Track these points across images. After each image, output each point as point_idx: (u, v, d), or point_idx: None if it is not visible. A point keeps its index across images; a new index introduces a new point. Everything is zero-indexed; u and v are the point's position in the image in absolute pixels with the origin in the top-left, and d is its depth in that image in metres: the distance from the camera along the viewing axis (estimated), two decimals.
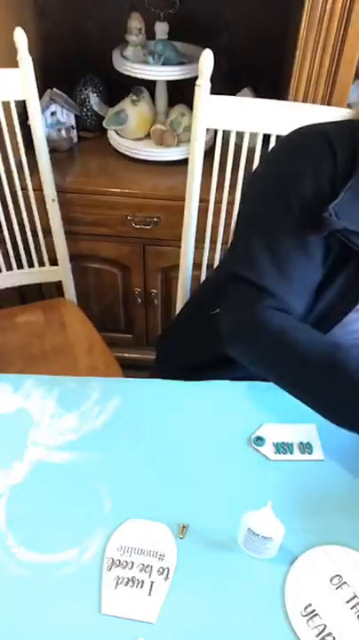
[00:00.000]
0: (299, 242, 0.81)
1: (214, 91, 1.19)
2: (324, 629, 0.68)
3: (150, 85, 1.64)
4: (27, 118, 1.32)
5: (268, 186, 0.85)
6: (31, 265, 1.51)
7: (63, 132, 1.68)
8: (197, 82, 1.18)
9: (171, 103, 1.69)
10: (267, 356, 0.83)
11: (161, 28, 1.56)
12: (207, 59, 1.15)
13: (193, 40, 1.62)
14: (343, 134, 0.81)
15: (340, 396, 0.77)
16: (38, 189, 1.40)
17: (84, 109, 1.73)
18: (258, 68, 1.68)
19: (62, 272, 1.54)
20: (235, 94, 1.52)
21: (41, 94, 1.35)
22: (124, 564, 0.73)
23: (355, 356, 0.77)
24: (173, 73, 1.53)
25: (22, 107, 1.30)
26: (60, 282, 1.56)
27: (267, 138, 1.22)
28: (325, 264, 0.84)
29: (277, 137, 1.21)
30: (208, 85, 1.17)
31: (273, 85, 1.61)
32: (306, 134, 0.85)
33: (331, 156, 0.80)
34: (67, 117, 1.67)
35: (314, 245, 0.81)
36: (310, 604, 0.70)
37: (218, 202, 1.31)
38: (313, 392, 0.80)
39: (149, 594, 0.70)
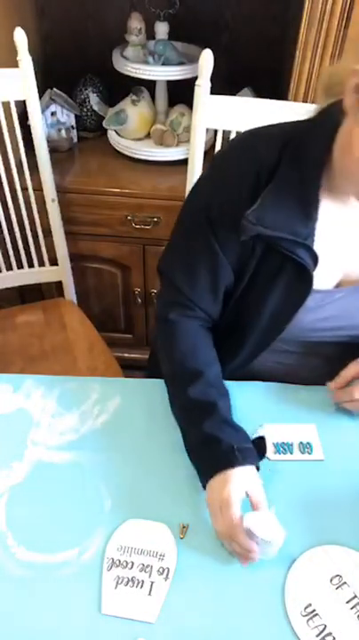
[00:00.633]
0: (209, 246, 0.86)
1: (214, 91, 1.19)
2: (324, 629, 0.68)
3: (150, 85, 1.64)
4: (27, 118, 1.32)
5: (196, 194, 0.91)
6: (31, 265, 1.51)
7: (63, 132, 1.68)
8: (197, 82, 1.18)
9: (171, 103, 1.69)
10: (161, 354, 0.94)
11: (161, 28, 1.56)
12: (207, 59, 1.15)
13: (193, 40, 1.62)
14: (276, 142, 0.82)
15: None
16: (38, 189, 1.40)
17: (84, 109, 1.73)
18: (258, 68, 1.68)
19: (62, 272, 1.54)
20: (235, 94, 1.52)
21: (41, 94, 1.35)
22: (124, 564, 0.73)
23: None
24: (173, 73, 1.53)
25: (22, 107, 1.30)
26: (60, 282, 1.56)
27: None
28: (245, 268, 0.86)
29: None
30: (208, 85, 1.17)
31: (273, 85, 1.61)
32: (238, 146, 0.88)
33: (255, 171, 0.81)
34: (67, 117, 1.67)
35: (227, 250, 0.85)
36: (310, 604, 0.70)
37: None
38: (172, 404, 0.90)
39: (149, 594, 0.70)
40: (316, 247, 0.81)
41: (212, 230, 0.85)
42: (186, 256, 0.90)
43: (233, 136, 1.25)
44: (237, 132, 1.24)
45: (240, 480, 0.76)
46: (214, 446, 0.79)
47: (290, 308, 0.86)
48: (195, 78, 1.18)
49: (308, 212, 0.80)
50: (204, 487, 0.78)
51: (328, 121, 0.78)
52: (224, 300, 0.92)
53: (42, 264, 1.51)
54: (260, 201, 0.79)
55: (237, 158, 0.85)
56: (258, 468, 0.80)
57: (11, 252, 1.46)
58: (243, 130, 1.21)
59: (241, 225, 0.79)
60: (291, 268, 0.82)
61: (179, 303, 0.92)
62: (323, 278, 0.86)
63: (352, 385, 0.88)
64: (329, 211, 0.83)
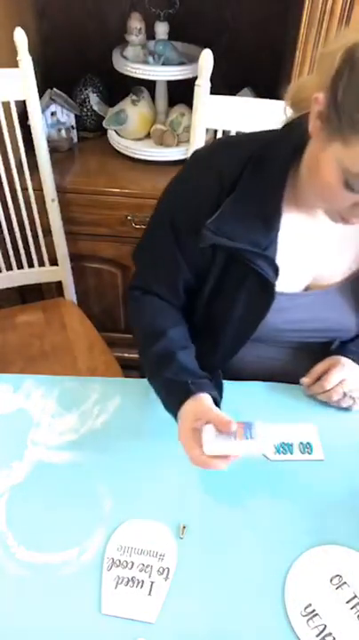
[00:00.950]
0: (169, 248, 0.90)
1: (214, 91, 1.19)
2: (324, 629, 0.68)
3: (150, 85, 1.64)
4: (27, 118, 1.32)
5: (165, 195, 0.94)
6: (31, 265, 1.51)
7: (63, 132, 1.68)
8: (197, 82, 1.18)
9: (171, 103, 1.69)
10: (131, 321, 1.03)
11: (161, 28, 1.56)
12: (207, 59, 1.15)
13: (193, 40, 1.62)
14: (242, 153, 0.84)
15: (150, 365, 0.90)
16: (38, 189, 1.40)
17: (84, 109, 1.73)
18: (258, 68, 1.68)
19: (62, 272, 1.54)
20: (235, 94, 1.52)
21: (41, 94, 1.35)
22: (124, 564, 0.73)
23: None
24: (173, 73, 1.53)
25: (22, 107, 1.30)
26: (60, 282, 1.56)
27: None
28: (209, 274, 0.89)
29: None
30: (208, 85, 1.18)
31: (273, 85, 1.61)
32: (206, 154, 0.90)
33: (218, 180, 0.83)
34: (67, 117, 1.67)
35: (186, 254, 0.89)
36: (310, 604, 0.70)
37: None
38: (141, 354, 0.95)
39: (149, 594, 0.70)
40: (279, 256, 0.84)
41: (174, 233, 0.89)
42: (150, 252, 0.96)
43: None
44: (237, 132, 1.24)
45: (189, 412, 0.79)
46: (173, 389, 0.84)
47: (255, 315, 0.89)
48: (195, 78, 1.18)
49: (269, 223, 0.83)
50: None
51: (294, 135, 0.80)
52: (194, 299, 0.96)
53: (42, 264, 1.51)
54: (221, 210, 0.82)
55: (203, 168, 0.87)
56: (217, 403, 0.83)
57: (11, 252, 1.46)
58: (242, 130, 1.23)
59: (201, 233, 0.82)
60: (254, 278, 0.85)
61: (146, 289, 0.98)
62: (289, 282, 0.89)
63: (322, 379, 0.91)
64: (294, 220, 0.85)
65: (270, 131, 0.87)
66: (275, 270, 0.84)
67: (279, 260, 0.84)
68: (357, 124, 0.64)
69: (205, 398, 0.80)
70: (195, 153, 0.93)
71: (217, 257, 0.87)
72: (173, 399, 0.83)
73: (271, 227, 0.83)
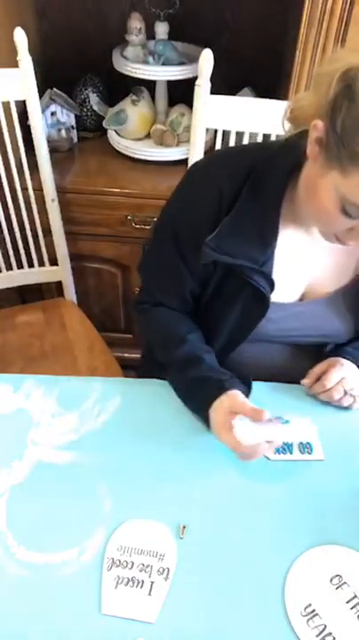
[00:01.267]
0: (173, 259, 0.92)
1: (214, 91, 1.19)
2: (324, 629, 0.68)
3: (150, 85, 1.64)
4: (27, 118, 1.32)
5: (167, 208, 0.95)
6: (31, 265, 1.51)
7: (63, 132, 1.68)
8: (197, 82, 1.18)
9: (171, 103, 1.69)
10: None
11: (161, 28, 1.56)
12: (207, 59, 1.15)
13: (193, 40, 1.62)
14: (241, 170, 0.84)
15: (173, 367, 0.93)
16: (38, 189, 1.40)
17: (84, 109, 1.73)
18: (258, 68, 1.68)
19: (62, 272, 1.54)
20: (235, 94, 1.52)
21: (41, 94, 1.35)
22: (124, 564, 0.73)
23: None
24: (173, 73, 1.53)
25: (22, 107, 1.30)
26: (60, 282, 1.56)
27: (266, 138, 1.22)
28: (208, 283, 0.92)
29: (277, 137, 1.21)
30: (208, 85, 1.18)
31: (273, 85, 1.61)
32: (206, 169, 0.91)
33: (217, 197, 0.85)
34: (67, 117, 1.67)
35: (189, 265, 0.92)
36: (310, 604, 0.70)
37: None
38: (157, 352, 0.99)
39: (149, 594, 0.70)
40: (276, 271, 0.86)
41: (177, 246, 0.91)
42: (155, 263, 0.98)
43: (233, 136, 1.25)
44: (237, 132, 1.24)
45: (222, 407, 0.82)
46: (205, 385, 0.86)
47: (249, 322, 0.92)
48: (195, 78, 1.18)
49: (266, 239, 0.84)
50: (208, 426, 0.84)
51: (292, 152, 0.80)
52: (197, 298, 0.98)
53: (42, 264, 1.51)
54: (220, 228, 0.84)
55: (203, 182, 0.88)
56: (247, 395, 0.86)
57: (11, 252, 1.46)
58: (242, 130, 1.23)
59: (202, 250, 0.84)
60: (250, 290, 0.87)
61: (152, 301, 1.01)
62: (284, 293, 0.92)
63: (322, 378, 0.92)
64: (290, 236, 0.87)
65: (270, 142, 0.88)
66: (271, 285, 0.86)
67: (275, 275, 0.87)
68: (356, 156, 0.65)
69: (239, 393, 0.83)
70: (195, 165, 0.93)
71: (216, 269, 0.89)
72: (204, 395, 0.85)
73: (268, 243, 0.85)
